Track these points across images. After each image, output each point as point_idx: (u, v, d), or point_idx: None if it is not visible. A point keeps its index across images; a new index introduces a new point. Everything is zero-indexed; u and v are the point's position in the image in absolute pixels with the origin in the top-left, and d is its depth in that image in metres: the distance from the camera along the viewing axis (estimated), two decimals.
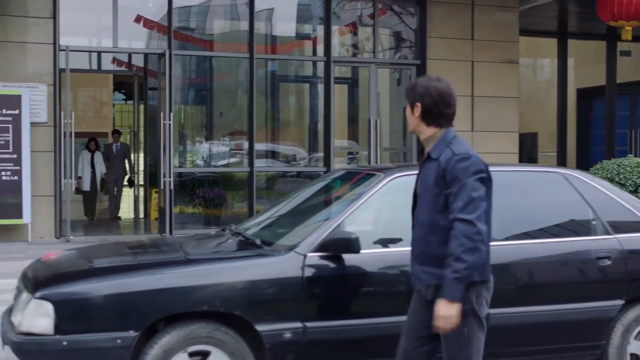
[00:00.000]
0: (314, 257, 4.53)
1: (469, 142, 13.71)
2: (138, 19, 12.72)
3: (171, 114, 11.57)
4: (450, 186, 3.51)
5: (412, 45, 13.68)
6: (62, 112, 11.25)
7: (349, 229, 4.65)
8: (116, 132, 14.95)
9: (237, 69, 13.52)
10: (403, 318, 3.95)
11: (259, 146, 13.02)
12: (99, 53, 14.82)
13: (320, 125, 13.36)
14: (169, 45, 11.90)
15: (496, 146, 13.36)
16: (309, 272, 4.50)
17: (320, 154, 13.29)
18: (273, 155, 13.72)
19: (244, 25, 12.74)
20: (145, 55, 14.88)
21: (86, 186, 13.99)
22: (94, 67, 15.41)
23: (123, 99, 21.62)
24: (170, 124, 11.51)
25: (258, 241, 4.92)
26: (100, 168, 14.20)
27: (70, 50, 11.31)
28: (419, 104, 3.62)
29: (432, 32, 13.25)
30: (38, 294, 4.33)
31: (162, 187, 11.67)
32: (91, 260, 5.22)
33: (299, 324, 4.42)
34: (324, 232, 4.60)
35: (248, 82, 12.48)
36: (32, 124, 11.11)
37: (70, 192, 11.43)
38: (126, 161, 14.48)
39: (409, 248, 3.88)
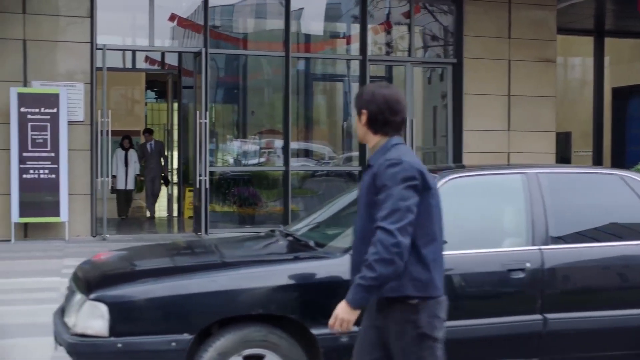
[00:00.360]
0: None
1: (505, 141, 13.98)
2: (173, 17, 12.75)
3: (207, 112, 11.55)
4: (379, 193, 3.31)
5: (448, 44, 13.56)
6: (99, 111, 11.27)
7: None
8: (148, 131, 14.69)
9: (271, 67, 13.48)
10: (455, 322, 3.86)
11: (292, 145, 12.95)
12: (134, 52, 14.88)
13: (355, 124, 13.25)
14: (204, 44, 11.88)
15: (533, 146, 13.22)
16: None
17: (353, 153, 13.22)
18: (305, 154, 13.67)
19: (279, 23, 12.71)
20: (179, 53, 14.86)
21: (120, 185, 13.83)
22: (128, 65, 15.47)
23: (154, 98, 21.69)
24: (206, 123, 11.49)
25: (312, 243, 4.85)
26: (134, 166, 14.01)
27: (108, 49, 11.31)
28: (364, 111, 3.45)
29: (468, 31, 13.12)
30: (92, 296, 4.28)
31: (197, 186, 11.66)
32: (143, 261, 5.17)
33: (354, 327, 4.35)
34: None
35: (283, 81, 12.45)
36: (70, 123, 11.14)
37: (106, 190, 11.44)
38: (162, 159, 14.40)
39: (464, 251, 3.78)
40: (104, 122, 11.15)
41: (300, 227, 5.42)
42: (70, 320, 4.44)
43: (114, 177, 13.64)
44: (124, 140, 14.26)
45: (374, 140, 3.49)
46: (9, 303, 7.25)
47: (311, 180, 13.21)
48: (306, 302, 4.41)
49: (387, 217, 3.23)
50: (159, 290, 4.32)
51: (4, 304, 7.22)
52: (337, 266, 4.40)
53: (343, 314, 3.35)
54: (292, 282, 4.45)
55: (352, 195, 5.63)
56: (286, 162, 12.33)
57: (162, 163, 14.41)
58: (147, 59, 15.78)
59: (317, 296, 4.41)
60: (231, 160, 13.62)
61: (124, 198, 14.20)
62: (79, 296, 4.47)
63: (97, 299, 4.25)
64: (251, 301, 4.36)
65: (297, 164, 12.99)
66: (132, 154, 14.13)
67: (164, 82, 17.22)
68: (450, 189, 4.61)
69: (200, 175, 11.53)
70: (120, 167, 13.88)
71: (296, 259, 4.82)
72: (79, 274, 4.85)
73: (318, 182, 13.23)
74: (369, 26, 12.97)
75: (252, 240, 5.70)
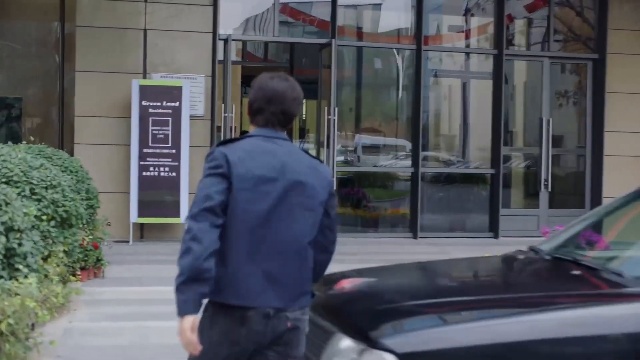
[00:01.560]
0: None
1: None
2: (295, 8, 11.96)
3: (336, 109, 10.75)
4: None
5: (589, 38, 12.47)
6: (223, 105, 10.58)
7: None
8: None
9: (398, 61, 12.62)
10: None
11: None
12: (243, 43, 14.16)
13: (483, 124, 12.33)
14: (332, 35, 11.10)
15: None
16: None
17: (484, 154, 12.27)
18: (431, 156, 12.74)
19: (406, 17, 11.88)
20: (291, 47, 14.13)
21: None
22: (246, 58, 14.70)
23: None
24: (334, 120, 10.70)
25: (614, 271, 3.80)
26: None
27: (233, 40, 10.61)
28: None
29: (613, 24, 12.00)
30: (378, 343, 3.15)
31: None
32: (412, 291, 4.07)
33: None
34: None
35: (414, 76, 11.58)
36: (190, 117, 10.48)
37: None
38: None
39: None
40: (227, 117, 10.44)
41: (567, 247, 4.38)
42: None
43: None
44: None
45: (250, 130, 3.14)
46: (155, 317, 6.54)
47: (437, 184, 12.23)
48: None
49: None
50: (470, 335, 3.17)
51: (149, 317, 6.52)
52: None
53: (178, 327, 2.87)
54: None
55: (624, 203, 4.61)
56: (415, 163, 11.45)
57: None
58: (246, 54, 15.09)
59: None
60: (355, 159, 12.78)
61: None
62: (346, 342, 3.32)
63: (383, 348, 3.10)
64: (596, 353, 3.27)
65: (432, 167, 12.06)
66: None
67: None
68: None
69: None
70: None
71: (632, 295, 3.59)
72: (334, 308, 3.71)
73: (444, 185, 12.28)
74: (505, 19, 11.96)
75: (520, 266, 4.57)
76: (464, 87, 12.65)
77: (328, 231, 3.04)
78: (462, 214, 12.13)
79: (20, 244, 4.71)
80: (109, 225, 9.49)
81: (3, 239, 4.60)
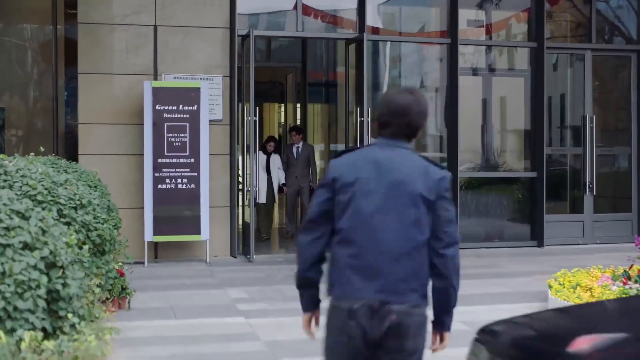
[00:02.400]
0: None
1: None
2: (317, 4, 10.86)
3: (369, 109, 9.71)
4: None
5: (633, 30, 11.56)
6: (244, 108, 9.49)
7: None
8: (296, 130, 11.49)
9: (430, 56, 11.64)
10: None
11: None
12: (269, 40, 13.02)
13: (520, 123, 11.39)
14: (360, 29, 10.08)
15: None
16: None
17: (523, 156, 11.31)
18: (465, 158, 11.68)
19: (439, 9, 10.90)
20: (303, 45, 13.05)
21: (261, 197, 10.97)
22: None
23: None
24: (368, 122, 9.66)
25: None
26: (278, 175, 11.29)
27: (256, 36, 9.51)
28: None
29: None
30: None
31: None
32: None
33: None
34: None
35: (448, 71, 10.59)
36: (209, 122, 9.39)
37: (252, 203, 9.65)
38: (309, 167, 11.38)
39: None
40: (250, 121, 9.34)
41: None
42: None
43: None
44: (268, 142, 11.45)
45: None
46: (203, 357, 5.45)
47: (474, 189, 11.18)
48: None
49: None
50: None
51: (199, 359, 5.44)
52: None
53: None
54: None
55: None
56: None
57: (311, 171, 11.39)
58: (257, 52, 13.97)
59: None
60: None
61: (265, 213, 11.42)
62: None
63: None
64: None
65: (464, 170, 11.00)
66: (275, 160, 11.30)
67: (272, 79, 15.44)
68: None
69: None
70: (262, 176, 10.98)
71: None
72: None
73: (482, 190, 11.25)
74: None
75: None
76: (499, 84, 11.67)
77: (440, 233, 3.04)
78: (501, 221, 11.15)
79: (65, 284, 3.61)
80: (127, 246, 8.39)
81: (44, 278, 3.50)
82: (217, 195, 9.64)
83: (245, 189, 9.72)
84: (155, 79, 9.46)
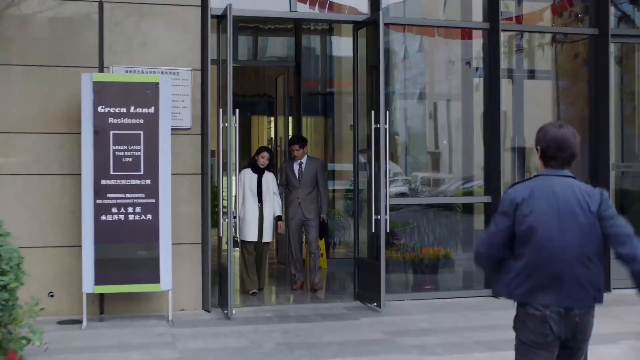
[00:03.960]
0: None
1: None
2: None
3: (387, 113, 7.31)
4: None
5: None
6: (221, 111, 7.06)
7: None
8: (297, 141, 8.53)
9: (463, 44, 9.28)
10: None
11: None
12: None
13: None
14: (372, 9, 7.72)
15: None
16: None
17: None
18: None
19: None
20: (298, 42, 10.61)
21: (249, 234, 8.07)
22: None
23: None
24: (385, 129, 7.26)
25: None
26: (274, 202, 8.20)
27: (235, 17, 7.07)
28: (539, 147, 3.64)
29: None
30: None
31: (372, 230, 7.40)
32: None
33: None
34: None
35: (488, 60, 8.23)
36: (172, 131, 6.98)
37: (231, 238, 7.13)
38: (321, 190, 8.42)
39: None
40: (228, 129, 6.92)
41: None
42: None
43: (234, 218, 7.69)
44: (260, 154, 8.28)
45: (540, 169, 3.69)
46: None
47: None
48: None
49: None
50: None
51: None
52: None
53: None
54: None
55: None
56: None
57: (320, 197, 8.43)
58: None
59: None
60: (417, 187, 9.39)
61: (253, 258, 8.25)
62: None
63: None
64: None
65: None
66: (269, 180, 8.22)
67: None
68: None
69: (376, 213, 7.28)
70: (250, 203, 8.09)
71: None
72: None
73: None
74: None
75: None
76: (552, 78, 9.30)
77: (616, 229, 3.42)
78: None
79: None
80: (52, 296, 6.06)
81: None
82: (183, 228, 7.22)
83: (229, 220, 7.16)
84: (102, 71, 7.05)
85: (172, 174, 6.97)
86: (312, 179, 8.40)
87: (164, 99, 6.76)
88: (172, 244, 6.94)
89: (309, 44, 11.14)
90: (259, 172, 8.26)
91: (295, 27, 10.47)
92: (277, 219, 8.33)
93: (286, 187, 8.50)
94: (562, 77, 9.53)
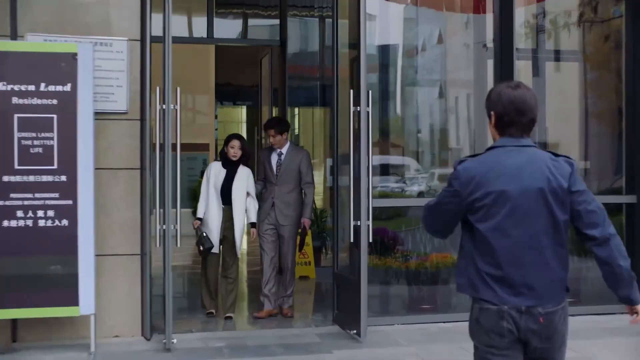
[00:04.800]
0: None
1: None
2: None
3: (369, 94, 5.84)
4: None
5: None
6: (158, 90, 5.63)
7: None
8: (276, 124, 6.85)
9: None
10: None
11: None
12: None
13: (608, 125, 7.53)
14: None
15: None
16: None
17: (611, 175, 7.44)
18: None
19: None
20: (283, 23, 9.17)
21: (214, 238, 6.51)
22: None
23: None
24: (368, 113, 5.80)
25: None
26: (244, 205, 6.59)
27: None
28: (493, 113, 3.10)
29: None
30: None
31: (350, 240, 5.94)
32: None
33: None
34: None
35: (498, 49, 6.75)
36: (99, 114, 5.61)
37: (170, 248, 5.66)
38: (305, 189, 6.80)
39: None
40: (170, 112, 5.49)
41: None
42: None
43: (198, 220, 6.62)
44: (229, 145, 6.65)
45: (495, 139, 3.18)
46: None
47: None
48: None
49: None
50: None
51: None
52: None
53: None
54: None
55: None
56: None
57: (305, 197, 6.81)
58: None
59: None
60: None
61: (216, 269, 6.77)
62: None
63: None
64: None
65: None
66: (243, 177, 6.61)
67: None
68: None
69: (354, 219, 5.83)
70: (214, 204, 6.56)
71: None
72: None
73: None
74: None
75: None
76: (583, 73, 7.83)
77: (586, 206, 2.92)
78: (573, 272, 7.16)
79: None
80: None
81: None
82: (118, 236, 5.84)
83: (171, 226, 5.69)
84: (14, 39, 5.67)
85: (102, 168, 5.67)
86: (294, 175, 6.73)
87: (84, 74, 5.35)
88: (103, 255, 5.60)
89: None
90: (232, 166, 6.63)
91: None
92: (251, 225, 6.71)
93: (264, 183, 6.89)
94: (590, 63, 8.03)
